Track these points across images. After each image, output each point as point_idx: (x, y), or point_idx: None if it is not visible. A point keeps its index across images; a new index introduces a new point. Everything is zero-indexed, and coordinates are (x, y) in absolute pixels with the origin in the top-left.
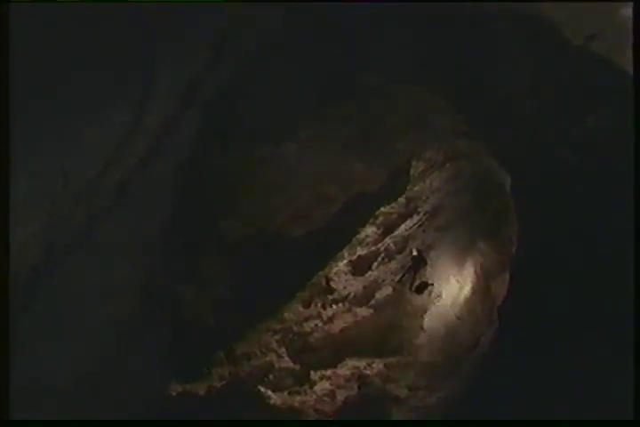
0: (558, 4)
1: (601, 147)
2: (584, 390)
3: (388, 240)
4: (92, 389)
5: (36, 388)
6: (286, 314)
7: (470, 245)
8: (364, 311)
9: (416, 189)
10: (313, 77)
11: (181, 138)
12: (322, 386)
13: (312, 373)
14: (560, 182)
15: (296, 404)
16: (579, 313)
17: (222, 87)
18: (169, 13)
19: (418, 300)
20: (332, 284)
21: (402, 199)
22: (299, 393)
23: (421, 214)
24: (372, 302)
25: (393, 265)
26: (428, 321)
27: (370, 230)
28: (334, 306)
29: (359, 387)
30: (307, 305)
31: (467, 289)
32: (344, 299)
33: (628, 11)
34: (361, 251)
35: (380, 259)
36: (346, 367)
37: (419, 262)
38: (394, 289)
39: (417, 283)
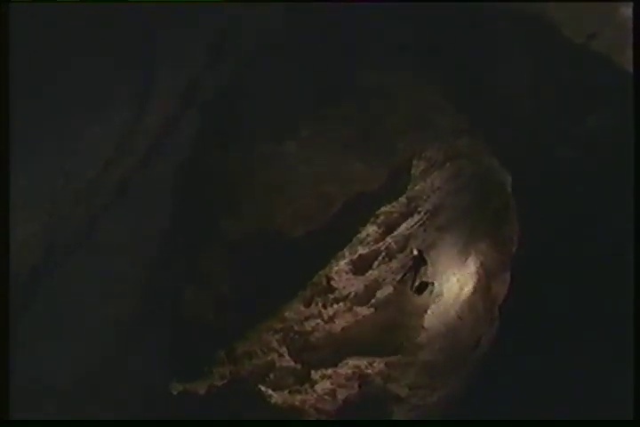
0: (558, 4)
1: (601, 147)
2: (584, 390)
3: (388, 239)
4: (92, 389)
5: (36, 388)
6: (287, 313)
7: (471, 244)
8: (364, 310)
9: (417, 188)
10: (313, 77)
11: (181, 138)
12: (323, 385)
13: (313, 372)
14: (560, 182)
15: (297, 403)
16: (579, 313)
17: (222, 87)
18: (169, 13)
19: (418, 299)
20: (332, 283)
21: (402, 199)
22: (299, 392)
23: (422, 214)
24: (373, 301)
25: (394, 264)
26: (429, 320)
27: (371, 230)
28: (335, 305)
29: (360, 386)
30: (307, 304)
31: (467, 288)
32: (345, 298)
33: (628, 10)
34: (362, 250)
35: (380, 258)
36: (347, 366)
37: (419, 262)
38: (395, 288)
39: (418, 282)
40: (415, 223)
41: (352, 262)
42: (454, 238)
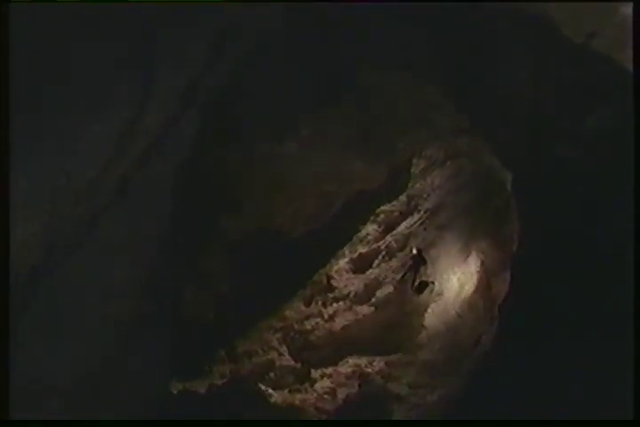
0: (558, 3)
1: (601, 146)
2: (584, 390)
3: (388, 238)
4: (92, 389)
5: (36, 388)
6: (287, 312)
7: (471, 243)
8: (364, 309)
9: (417, 187)
10: (313, 77)
11: (181, 138)
12: (323, 384)
13: (313, 371)
14: (560, 182)
15: (297, 402)
16: (579, 313)
17: (222, 87)
18: (169, 13)
19: (419, 298)
20: (332, 282)
21: (403, 197)
22: (299, 391)
23: (422, 212)
24: (373, 300)
25: (394, 263)
26: (429, 319)
27: (371, 228)
28: (335, 304)
29: (360, 385)
30: (308, 303)
31: (468, 287)
32: (345, 297)
33: (628, 9)
34: (362, 249)
35: (380, 257)
36: (347, 365)
37: (420, 261)
38: (395, 287)
39: (418, 281)
40: (415, 222)
41: (352, 261)
42: (454, 237)
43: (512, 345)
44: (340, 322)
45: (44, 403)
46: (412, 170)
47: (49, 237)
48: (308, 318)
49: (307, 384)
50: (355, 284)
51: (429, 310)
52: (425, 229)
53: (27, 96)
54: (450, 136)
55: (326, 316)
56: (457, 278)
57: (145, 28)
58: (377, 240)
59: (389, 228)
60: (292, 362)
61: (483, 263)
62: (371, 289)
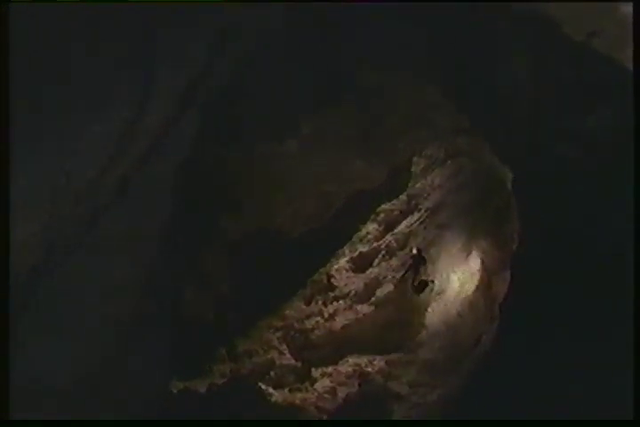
0: (558, 3)
1: (601, 146)
2: (584, 390)
3: (389, 237)
4: (92, 389)
5: (36, 388)
6: (287, 311)
7: (472, 242)
8: (365, 308)
9: (417, 186)
10: (313, 77)
11: (181, 138)
12: (323, 383)
13: (313, 370)
14: (560, 182)
15: (297, 401)
16: (579, 313)
17: (222, 87)
18: (169, 13)
19: (419, 297)
20: (333, 281)
21: (403, 196)
22: (300, 390)
23: (422, 211)
24: (374, 299)
25: (394, 262)
26: (430, 318)
27: (371, 227)
28: (335, 303)
29: (360, 384)
30: (308, 302)
31: (468, 286)
32: (345, 296)
33: (628, 8)
34: (362, 248)
35: (381, 256)
36: (347, 364)
37: (420, 260)
38: (395, 286)
39: (418, 280)
40: (415, 221)
41: (352, 260)
42: (455, 236)
43: (512, 345)
44: (340, 321)
45: (44, 403)
46: (413, 169)
47: (49, 237)
48: (308, 317)
49: (307, 383)
50: (355, 283)
51: (430, 309)
52: (425, 228)
53: (27, 96)
54: (450, 136)
55: (326, 315)
56: (457, 278)
57: (145, 28)
58: (377, 239)
59: (389, 227)
60: (293, 361)
61: (483, 262)
62: (371, 288)
